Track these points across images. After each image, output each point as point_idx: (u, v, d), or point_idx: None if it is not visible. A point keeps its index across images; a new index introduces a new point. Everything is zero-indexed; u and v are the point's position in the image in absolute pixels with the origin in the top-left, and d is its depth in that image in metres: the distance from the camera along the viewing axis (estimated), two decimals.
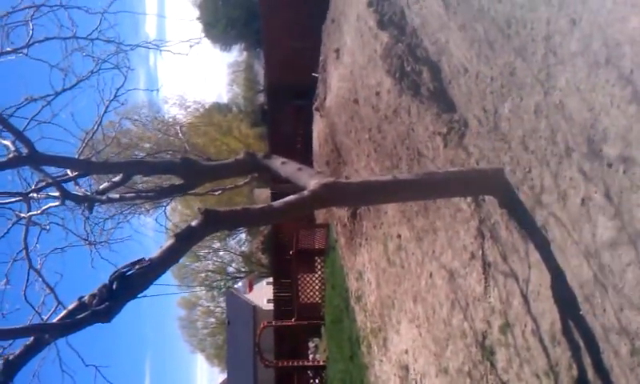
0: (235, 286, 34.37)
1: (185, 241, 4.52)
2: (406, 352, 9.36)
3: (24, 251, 6.66)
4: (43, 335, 3.78)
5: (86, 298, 3.92)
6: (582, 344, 4.55)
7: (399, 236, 10.07)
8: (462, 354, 6.99)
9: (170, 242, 4.40)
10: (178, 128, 22.19)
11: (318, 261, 20.54)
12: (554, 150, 4.80)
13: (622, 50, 3.82)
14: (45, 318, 6.07)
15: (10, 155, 5.41)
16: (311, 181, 5.24)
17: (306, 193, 5.05)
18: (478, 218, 6.53)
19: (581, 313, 4.49)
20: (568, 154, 4.59)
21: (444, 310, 7.71)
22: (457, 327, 7.24)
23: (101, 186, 7.01)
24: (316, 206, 5.72)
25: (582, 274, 4.47)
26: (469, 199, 6.67)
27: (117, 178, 6.73)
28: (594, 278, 4.31)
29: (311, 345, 22.42)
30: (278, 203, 4.97)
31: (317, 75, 20.17)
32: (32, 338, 3.75)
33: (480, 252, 6.47)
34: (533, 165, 5.13)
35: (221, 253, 46.22)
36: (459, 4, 6.42)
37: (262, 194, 38.37)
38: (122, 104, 11.66)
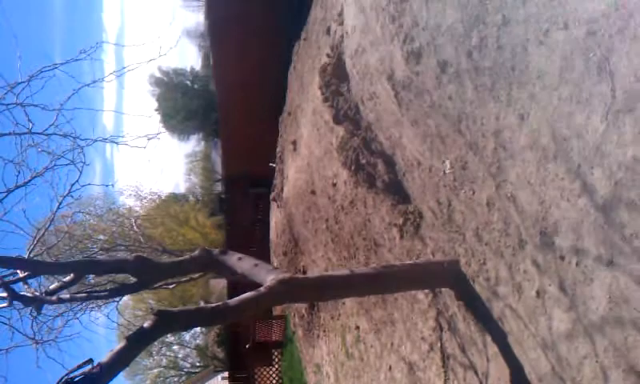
0: None
1: (137, 343, 4.34)
2: None
3: None
4: None
5: None
6: None
7: (357, 327, 9.93)
8: None
9: (121, 344, 4.22)
10: (133, 220, 21.82)
11: (276, 353, 20.04)
12: (508, 242, 4.87)
13: (570, 144, 3.96)
14: None
15: None
16: (268, 277, 5.16)
17: (262, 289, 4.97)
18: (435, 309, 6.51)
19: None
20: (521, 245, 4.66)
21: None
22: None
23: (51, 286, 6.76)
24: (273, 302, 5.62)
25: (540, 366, 4.45)
26: (426, 290, 6.66)
27: (67, 278, 6.51)
28: (552, 371, 4.29)
29: None
30: (233, 301, 4.84)
31: (274, 165, 20.37)
32: None
33: (439, 344, 6.41)
34: (487, 257, 5.19)
35: (174, 347, 44.60)
36: (411, 101, 6.64)
37: (218, 285, 37.68)
38: (77, 199, 11.47)
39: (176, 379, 44.92)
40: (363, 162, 8.51)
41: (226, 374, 28.78)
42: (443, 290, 6.20)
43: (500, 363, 5.03)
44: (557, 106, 4.11)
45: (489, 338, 5.23)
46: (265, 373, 19.54)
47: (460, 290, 5.67)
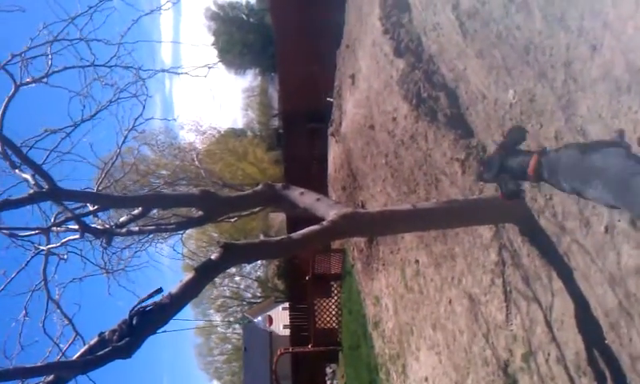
0: (255, 320, 34.12)
1: (205, 274, 4.50)
2: (426, 379, 9.25)
3: (43, 283, 6.67)
4: (65, 373, 3.78)
5: (106, 333, 3.89)
6: (607, 374, 4.47)
7: (417, 261, 10.01)
8: (484, 382, 6.89)
9: (190, 275, 4.39)
10: (195, 154, 22.33)
11: (334, 286, 20.47)
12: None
13: None
14: (63, 349, 6.06)
15: (31, 191, 5.43)
16: (330, 211, 5.22)
17: (325, 223, 5.03)
18: (498, 244, 6.48)
19: (606, 342, 4.41)
20: None
21: (464, 337, 7.62)
22: (478, 354, 7.15)
23: (120, 219, 7.04)
24: (335, 236, 5.71)
25: (606, 302, 4.41)
26: (489, 225, 6.62)
27: (136, 212, 6.76)
28: (619, 307, 4.25)
29: (329, 371, 22.21)
30: (296, 235, 4.94)
31: (331, 100, 20.28)
32: (53, 376, 3.74)
33: (501, 279, 6.41)
34: (555, 192, 5.09)
35: (237, 278, 46.18)
36: (477, 31, 6.44)
37: (277, 218, 38.44)
38: (141, 133, 11.78)
39: (238, 309, 46.76)
40: (425, 95, 8.37)
41: (286, 304, 29.68)
42: (506, 225, 6.15)
43: (565, 298, 5.01)
44: (632, 35, 3.92)
45: (554, 273, 5.19)
46: (324, 304, 20.03)
47: (524, 225, 5.61)
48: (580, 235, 4.72)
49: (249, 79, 52.97)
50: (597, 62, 4.38)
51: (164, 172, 26.52)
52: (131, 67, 8.44)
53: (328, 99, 20.57)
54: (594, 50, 4.40)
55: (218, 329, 50.00)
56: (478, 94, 6.72)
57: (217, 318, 48.23)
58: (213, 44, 44.66)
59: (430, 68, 8.20)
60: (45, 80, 7.03)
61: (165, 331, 4.32)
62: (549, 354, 5.34)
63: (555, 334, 5.23)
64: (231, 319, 47.49)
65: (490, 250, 6.72)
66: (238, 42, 44.07)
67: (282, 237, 5.10)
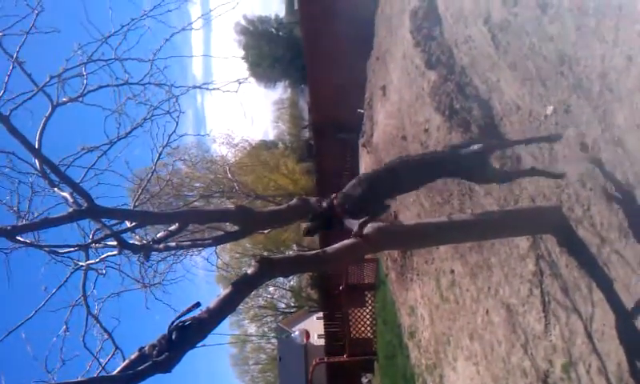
0: (292, 335, 34.22)
1: (241, 289, 4.60)
2: None
3: (82, 298, 6.82)
4: None
5: (146, 348, 3.98)
6: None
7: (452, 271, 10.01)
8: None
9: (227, 290, 4.50)
10: (227, 167, 22.60)
11: (368, 295, 20.48)
12: (615, 187, 4.77)
13: None
14: (103, 362, 6.19)
15: (70, 209, 5.59)
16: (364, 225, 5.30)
17: (359, 237, 5.11)
18: (535, 254, 6.48)
19: None
20: (630, 190, 4.56)
21: (502, 348, 7.61)
22: (516, 365, 7.13)
23: (157, 235, 7.19)
24: (371, 250, 5.76)
25: None
26: (526, 236, 6.63)
27: (173, 227, 6.89)
28: None
29: (364, 380, 22.20)
30: (331, 249, 5.02)
31: (362, 112, 20.37)
32: None
33: (539, 289, 6.40)
34: (592, 202, 5.11)
35: (270, 289, 46.44)
36: (509, 43, 6.48)
37: None
38: (175, 149, 12.02)
39: (272, 318, 46.97)
40: (457, 106, 8.41)
41: (320, 314, 29.73)
42: (544, 235, 6.15)
43: (605, 309, 5.00)
44: None
45: (593, 284, 5.18)
46: (358, 313, 20.05)
47: (562, 236, 5.61)
48: (620, 246, 4.72)
49: (279, 92, 53.46)
50: (633, 73, 4.40)
51: (197, 184, 26.93)
52: (164, 85, 8.62)
53: (359, 111, 20.66)
54: (629, 60, 4.42)
55: (253, 339, 50.32)
56: (512, 105, 6.74)
57: (251, 328, 48.59)
58: (243, 58, 45.23)
59: (462, 80, 8.24)
60: (80, 99, 7.21)
61: (203, 345, 4.43)
62: (590, 365, 5.33)
63: (596, 344, 5.21)
64: (266, 329, 47.74)
65: (527, 260, 6.72)
66: (268, 56, 44.54)
67: (317, 251, 5.17)
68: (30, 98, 6.09)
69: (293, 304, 47.56)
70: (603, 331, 5.07)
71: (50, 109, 6.47)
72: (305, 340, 32.32)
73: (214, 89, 10.00)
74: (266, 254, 28.33)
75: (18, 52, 5.90)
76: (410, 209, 13.14)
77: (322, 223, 5.31)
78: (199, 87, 10.23)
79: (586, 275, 5.34)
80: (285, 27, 45.28)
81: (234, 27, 48.83)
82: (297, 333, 33.75)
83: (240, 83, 10.58)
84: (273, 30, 47.00)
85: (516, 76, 6.47)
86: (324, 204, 5.33)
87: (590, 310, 5.28)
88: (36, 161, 5.86)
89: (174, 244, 7.30)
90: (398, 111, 13.34)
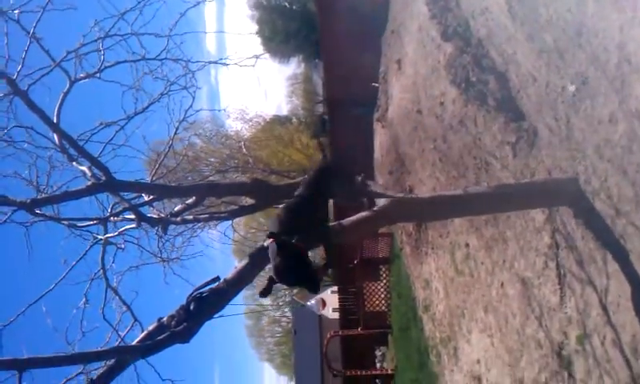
0: (308, 304, 34.50)
1: (258, 261, 4.67)
2: (478, 362, 9.29)
3: (101, 271, 6.91)
4: (126, 357, 3.97)
5: (164, 319, 4.04)
6: None
7: (467, 245, 10.02)
8: (538, 365, 6.92)
9: (244, 262, 4.56)
10: (242, 143, 22.67)
11: (383, 269, 20.54)
12: (632, 159, 4.75)
13: None
14: (122, 334, 6.30)
15: (89, 183, 5.66)
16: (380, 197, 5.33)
17: (375, 210, 5.14)
18: (551, 227, 6.48)
19: None
20: None
21: (517, 320, 7.65)
22: (531, 337, 7.17)
23: (175, 208, 7.26)
24: (387, 222, 5.79)
25: None
26: (541, 208, 6.62)
27: (190, 201, 6.95)
28: None
29: (378, 353, 22.38)
30: (347, 221, 5.04)
31: (377, 85, 20.25)
32: (114, 360, 3.93)
33: (554, 262, 6.41)
34: (609, 174, 5.09)
35: None
36: (526, 15, 6.42)
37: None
38: (191, 124, 12.07)
39: (287, 292, 47.32)
40: (473, 79, 8.36)
41: (335, 288, 29.91)
42: (560, 208, 6.15)
43: (621, 280, 5.01)
44: None
45: (609, 256, 5.19)
46: (373, 287, 20.13)
47: (579, 208, 5.61)
48: (636, 217, 4.72)
49: (292, 67, 53.10)
50: None
51: (212, 159, 27.03)
52: (180, 60, 8.63)
53: (373, 84, 20.54)
54: None
55: (269, 312, 50.78)
56: (529, 77, 6.70)
57: (266, 301, 49.01)
58: (257, 32, 44.96)
59: (478, 52, 8.19)
60: (98, 75, 7.25)
61: (221, 316, 4.51)
62: (604, 337, 5.35)
63: (611, 316, 5.23)
64: (280, 303, 48.16)
65: (542, 232, 6.72)
66: (282, 30, 44.20)
67: (333, 223, 5.23)
68: (47, 74, 6.15)
69: None
70: (618, 303, 5.08)
71: (68, 84, 6.53)
72: (321, 308, 32.58)
73: (230, 64, 10.01)
74: None
75: (35, 27, 5.96)
76: (425, 183, 13.13)
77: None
78: (216, 62, 10.24)
79: (601, 247, 5.34)
80: (298, 1, 44.89)
81: (247, 1, 48.54)
82: (313, 301, 34.02)
83: (257, 59, 10.59)
84: (286, 4, 46.62)
85: (533, 48, 6.42)
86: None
87: (606, 282, 5.29)
88: (55, 135, 5.94)
89: (191, 217, 7.39)
90: (414, 85, 13.27)
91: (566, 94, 5.76)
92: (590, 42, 5.22)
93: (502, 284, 8.18)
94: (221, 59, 9.59)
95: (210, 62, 10.06)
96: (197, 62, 8.88)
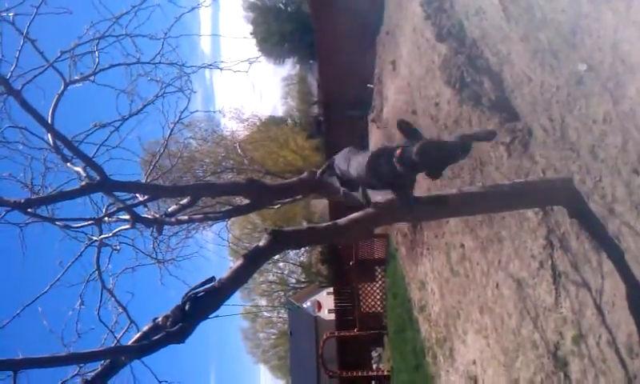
0: (303, 306, 34.44)
1: (253, 261, 4.65)
2: (474, 363, 9.30)
3: (97, 272, 6.88)
4: (121, 357, 3.95)
5: (159, 319, 4.02)
6: None
7: (462, 245, 10.03)
8: (534, 365, 6.92)
9: (239, 262, 4.53)
10: (237, 143, 22.60)
11: (378, 270, 20.56)
12: (626, 159, 4.76)
13: None
14: (118, 336, 6.28)
15: (83, 183, 5.62)
16: (375, 197, 5.31)
17: (370, 209, 5.12)
18: (546, 227, 6.49)
19: None
20: None
21: (513, 321, 7.65)
22: (527, 338, 7.18)
23: (169, 209, 7.23)
24: (382, 222, 5.77)
25: None
26: (536, 209, 6.63)
27: (184, 201, 6.92)
28: None
29: (374, 354, 22.38)
30: (342, 221, 5.03)
31: (372, 87, 20.26)
32: (110, 360, 3.91)
33: (549, 262, 6.42)
34: (603, 174, 5.10)
35: (280, 264, 46.64)
36: (521, 15, 6.43)
37: (319, 205, 38.62)
38: (186, 125, 12.03)
39: (282, 293, 47.29)
40: (468, 79, 8.37)
41: (330, 289, 29.90)
42: (554, 208, 6.15)
43: (616, 280, 5.02)
44: None
45: (604, 256, 5.20)
46: (368, 288, 20.15)
47: (573, 208, 5.61)
48: (630, 217, 4.73)
49: (287, 68, 53.08)
50: None
51: (207, 160, 26.96)
52: (175, 64, 8.62)
53: (368, 86, 20.55)
54: None
55: (264, 313, 50.66)
56: (523, 78, 6.71)
57: (262, 302, 48.94)
58: (251, 34, 44.91)
59: (473, 52, 8.19)
60: (92, 78, 7.22)
61: (216, 316, 4.49)
62: (600, 337, 5.36)
63: (606, 316, 5.24)
64: (276, 304, 48.07)
65: (537, 233, 6.73)
66: (276, 32, 44.18)
67: (329, 223, 5.20)
68: (41, 73, 6.11)
69: (303, 279, 47.79)
70: (614, 302, 5.09)
71: (63, 86, 6.50)
72: (317, 310, 32.55)
73: (224, 68, 9.97)
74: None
75: (28, 26, 5.92)
76: (419, 183, 13.11)
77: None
78: (210, 66, 10.20)
79: (596, 247, 5.35)
80: (293, 3, 44.87)
81: (241, 3, 48.50)
82: (309, 304, 33.97)
83: (251, 63, 10.55)
84: (281, 5, 46.61)
85: (527, 48, 6.43)
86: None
87: (601, 282, 5.30)
88: (49, 136, 5.90)
89: (185, 218, 7.36)
90: (408, 85, 13.28)
91: (560, 95, 5.77)
92: (584, 42, 5.23)
93: (498, 285, 8.19)
94: (215, 63, 9.56)
95: (204, 66, 10.02)
96: (191, 66, 8.86)
